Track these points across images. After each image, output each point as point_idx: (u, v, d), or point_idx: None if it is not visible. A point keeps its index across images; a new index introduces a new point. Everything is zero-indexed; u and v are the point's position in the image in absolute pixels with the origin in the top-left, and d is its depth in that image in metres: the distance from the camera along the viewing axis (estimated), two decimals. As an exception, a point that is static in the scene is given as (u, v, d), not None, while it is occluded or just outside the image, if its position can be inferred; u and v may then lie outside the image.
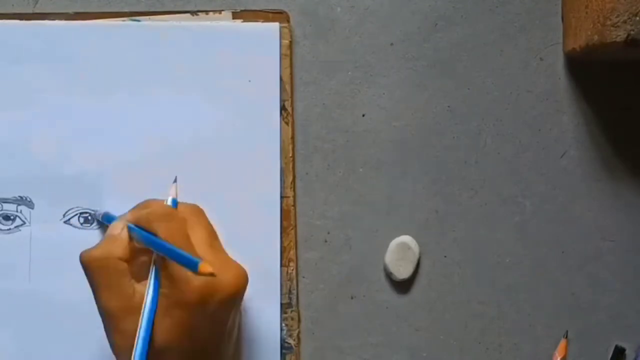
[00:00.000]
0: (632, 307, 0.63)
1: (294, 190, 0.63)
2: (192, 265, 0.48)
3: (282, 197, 0.62)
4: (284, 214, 0.62)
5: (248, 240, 0.62)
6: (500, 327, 0.63)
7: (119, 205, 0.61)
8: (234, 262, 0.55)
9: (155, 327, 0.51)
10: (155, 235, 0.53)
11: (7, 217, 0.61)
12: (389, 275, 0.63)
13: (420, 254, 0.63)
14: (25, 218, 0.61)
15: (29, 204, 0.61)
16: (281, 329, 0.62)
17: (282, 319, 0.62)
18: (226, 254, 0.56)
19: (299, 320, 0.63)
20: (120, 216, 0.56)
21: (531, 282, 0.63)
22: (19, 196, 0.61)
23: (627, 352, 0.63)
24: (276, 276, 0.62)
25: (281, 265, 0.62)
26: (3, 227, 0.61)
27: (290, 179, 0.62)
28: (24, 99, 0.62)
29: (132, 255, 0.54)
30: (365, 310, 0.63)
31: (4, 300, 0.61)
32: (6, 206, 0.61)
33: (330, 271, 0.63)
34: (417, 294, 0.63)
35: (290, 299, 0.62)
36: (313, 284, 0.63)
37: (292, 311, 0.62)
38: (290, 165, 0.62)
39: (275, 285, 0.62)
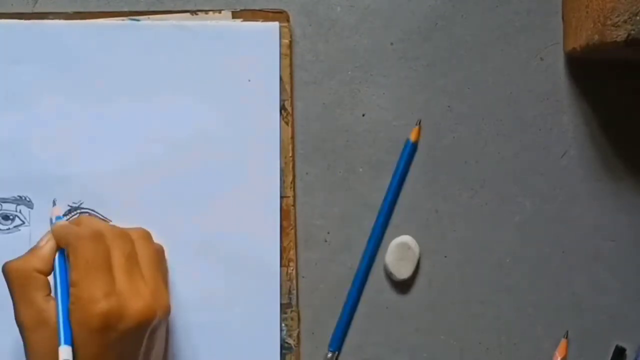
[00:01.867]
0: (632, 307, 0.63)
1: (294, 190, 0.63)
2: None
3: (281, 197, 0.62)
4: (284, 214, 0.62)
5: (248, 240, 0.62)
6: (500, 327, 0.63)
7: (119, 205, 0.61)
8: (153, 292, 0.54)
9: None
10: (67, 256, 0.53)
11: (6, 217, 0.61)
12: (389, 276, 0.63)
13: (420, 253, 0.63)
14: (25, 218, 0.61)
15: (29, 204, 0.61)
16: (281, 329, 0.62)
17: (282, 319, 0.62)
18: (146, 284, 0.54)
19: (299, 320, 0.63)
20: (55, 224, 0.56)
21: (531, 282, 0.63)
22: (19, 196, 0.61)
23: (627, 352, 0.63)
24: (276, 276, 0.62)
25: (281, 265, 0.62)
26: (2, 227, 0.61)
27: (290, 179, 0.62)
28: (23, 98, 0.62)
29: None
30: (365, 310, 0.63)
31: (3, 300, 0.61)
32: (5, 206, 0.61)
33: (330, 271, 0.63)
34: (417, 294, 0.63)
35: (290, 299, 0.62)
36: (313, 284, 0.63)
37: (292, 311, 0.62)
38: (290, 165, 0.62)
39: (275, 285, 0.62)
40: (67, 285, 0.53)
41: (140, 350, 0.53)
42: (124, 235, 0.56)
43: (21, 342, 0.60)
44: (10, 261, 0.54)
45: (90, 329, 0.51)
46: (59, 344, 0.50)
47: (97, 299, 0.51)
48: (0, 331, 0.61)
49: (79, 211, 0.61)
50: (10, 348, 0.61)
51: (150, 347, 0.55)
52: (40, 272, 0.53)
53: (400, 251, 0.62)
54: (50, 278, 0.54)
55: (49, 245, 0.55)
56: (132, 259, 0.55)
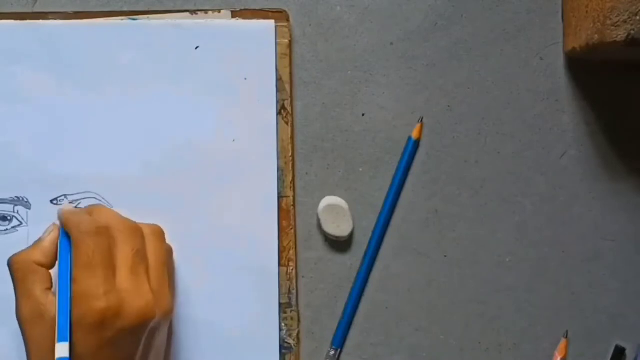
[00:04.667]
0: (632, 307, 0.63)
1: (294, 190, 0.63)
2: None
3: (281, 197, 0.62)
4: (284, 214, 0.62)
5: (246, 239, 0.62)
6: (500, 327, 0.63)
7: (117, 205, 0.61)
8: (156, 292, 0.54)
9: None
10: (70, 248, 0.53)
11: (4, 218, 0.61)
12: (327, 237, 0.63)
13: (351, 212, 0.63)
14: (23, 219, 0.61)
15: (26, 205, 0.61)
16: (280, 329, 0.62)
17: (282, 319, 0.62)
18: (150, 283, 0.54)
19: (299, 320, 0.63)
20: (62, 209, 0.56)
21: (531, 282, 0.63)
22: (16, 196, 0.61)
23: (627, 352, 0.63)
24: (275, 276, 0.62)
25: (280, 265, 0.62)
26: (0, 228, 0.61)
27: (290, 178, 0.62)
28: (22, 98, 0.62)
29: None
30: (365, 310, 0.63)
31: (2, 300, 0.61)
32: (3, 207, 0.61)
33: (330, 271, 0.63)
34: (417, 294, 0.63)
35: (289, 298, 0.62)
36: (313, 284, 0.63)
37: (291, 311, 0.62)
38: (290, 165, 0.62)
39: (274, 285, 0.62)
40: (68, 280, 0.52)
41: (138, 349, 0.53)
42: (136, 230, 0.55)
43: (16, 341, 0.60)
44: (14, 254, 0.54)
45: (87, 326, 0.51)
46: (56, 341, 0.50)
47: (95, 295, 0.51)
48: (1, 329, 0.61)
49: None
50: (10, 346, 0.61)
51: (149, 347, 0.54)
52: (41, 264, 0.53)
53: (332, 212, 0.62)
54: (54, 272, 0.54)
55: (50, 238, 0.55)
56: (140, 255, 0.54)
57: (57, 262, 0.54)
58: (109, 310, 0.51)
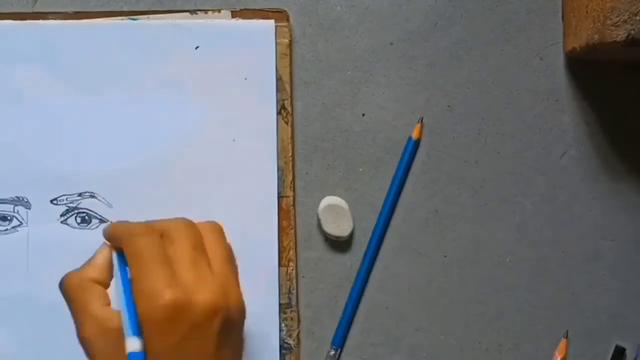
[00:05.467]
0: (632, 307, 0.63)
1: (294, 190, 0.63)
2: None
3: (281, 197, 0.62)
4: (284, 214, 0.62)
5: (246, 239, 0.62)
6: (500, 327, 0.63)
7: (116, 205, 0.61)
8: (222, 284, 0.51)
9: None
10: (122, 253, 0.52)
11: (4, 218, 0.61)
12: (327, 237, 0.63)
13: (351, 212, 0.63)
14: (23, 219, 0.61)
15: (26, 205, 0.61)
16: (280, 329, 0.62)
17: (282, 319, 0.62)
18: (214, 275, 0.52)
19: (299, 320, 0.63)
20: (108, 226, 0.55)
21: (531, 282, 0.63)
22: (16, 196, 0.61)
23: (627, 352, 0.63)
24: (275, 276, 0.62)
25: (280, 265, 0.62)
26: (0, 228, 0.61)
27: (290, 178, 0.62)
28: (22, 98, 0.62)
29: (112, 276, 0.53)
30: (365, 310, 0.63)
31: (2, 301, 0.61)
32: (3, 207, 0.61)
33: (330, 271, 0.63)
34: (417, 294, 0.63)
35: (289, 299, 0.62)
36: (313, 284, 0.63)
37: (291, 311, 0.62)
38: (290, 165, 0.62)
39: (274, 285, 0.62)
40: (129, 283, 0.50)
41: (211, 346, 0.50)
42: (190, 225, 0.54)
43: (15, 341, 0.60)
44: (67, 275, 0.52)
45: (158, 322, 0.48)
46: (126, 336, 0.49)
47: (159, 290, 0.49)
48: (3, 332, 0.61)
49: (76, 211, 0.61)
50: (10, 346, 0.61)
51: (224, 345, 0.51)
52: (97, 282, 0.52)
53: (332, 212, 0.62)
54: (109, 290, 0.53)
55: (102, 255, 0.53)
56: (199, 250, 0.52)
57: (112, 280, 0.53)
58: (178, 302, 0.48)
